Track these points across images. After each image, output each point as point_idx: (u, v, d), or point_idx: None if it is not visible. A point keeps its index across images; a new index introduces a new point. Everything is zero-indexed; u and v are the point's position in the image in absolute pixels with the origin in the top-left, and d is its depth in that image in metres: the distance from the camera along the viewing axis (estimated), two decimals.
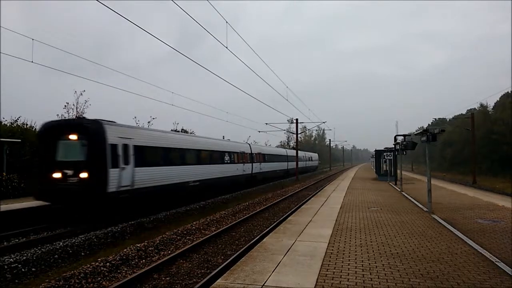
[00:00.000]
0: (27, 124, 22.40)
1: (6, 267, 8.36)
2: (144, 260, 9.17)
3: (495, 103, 58.32)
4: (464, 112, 61.10)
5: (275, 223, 13.46)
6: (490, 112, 56.89)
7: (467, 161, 48.59)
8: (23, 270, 8.41)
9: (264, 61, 22.21)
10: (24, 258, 8.99)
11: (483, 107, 57.81)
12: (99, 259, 8.78)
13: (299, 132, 44.94)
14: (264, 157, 34.93)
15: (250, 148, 31.45)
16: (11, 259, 8.82)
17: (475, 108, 57.74)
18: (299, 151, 45.48)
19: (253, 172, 31.04)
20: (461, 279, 5.51)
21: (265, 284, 5.26)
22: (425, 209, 13.00)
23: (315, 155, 72.58)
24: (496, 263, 6.35)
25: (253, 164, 31.21)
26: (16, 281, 7.95)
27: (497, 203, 15.35)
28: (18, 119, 22.36)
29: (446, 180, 41.15)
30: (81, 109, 26.49)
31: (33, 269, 8.54)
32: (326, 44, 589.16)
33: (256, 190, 27.89)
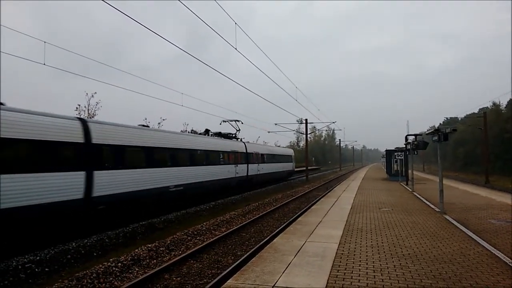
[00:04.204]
0: None
1: (20, 267, 8.52)
2: (155, 260, 9.24)
3: (508, 102, 57.36)
4: (476, 111, 60.34)
5: (285, 224, 13.44)
6: (503, 111, 55.93)
7: (480, 161, 47.84)
8: (36, 270, 8.55)
9: (273, 62, 22.19)
10: (38, 258, 9.16)
11: (495, 105, 56.87)
12: (111, 260, 8.89)
13: (308, 133, 44.74)
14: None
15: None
16: (25, 259, 8.99)
17: (487, 107, 56.85)
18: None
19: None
20: (474, 280, 5.44)
21: (275, 285, 5.26)
22: (437, 209, 12.86)
23: (282, 151, 41.39)
24: (510, 264, 6.25)
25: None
26: (30, 281, 8.08)
27: (510, 203, 15.08)
28: None
29: (459, 180, 40.53)
30: (93, 110, 26.86)
31: (46, 269, 8.67)
32: (334, 44, 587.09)
33: (265, 191, 28.05)
